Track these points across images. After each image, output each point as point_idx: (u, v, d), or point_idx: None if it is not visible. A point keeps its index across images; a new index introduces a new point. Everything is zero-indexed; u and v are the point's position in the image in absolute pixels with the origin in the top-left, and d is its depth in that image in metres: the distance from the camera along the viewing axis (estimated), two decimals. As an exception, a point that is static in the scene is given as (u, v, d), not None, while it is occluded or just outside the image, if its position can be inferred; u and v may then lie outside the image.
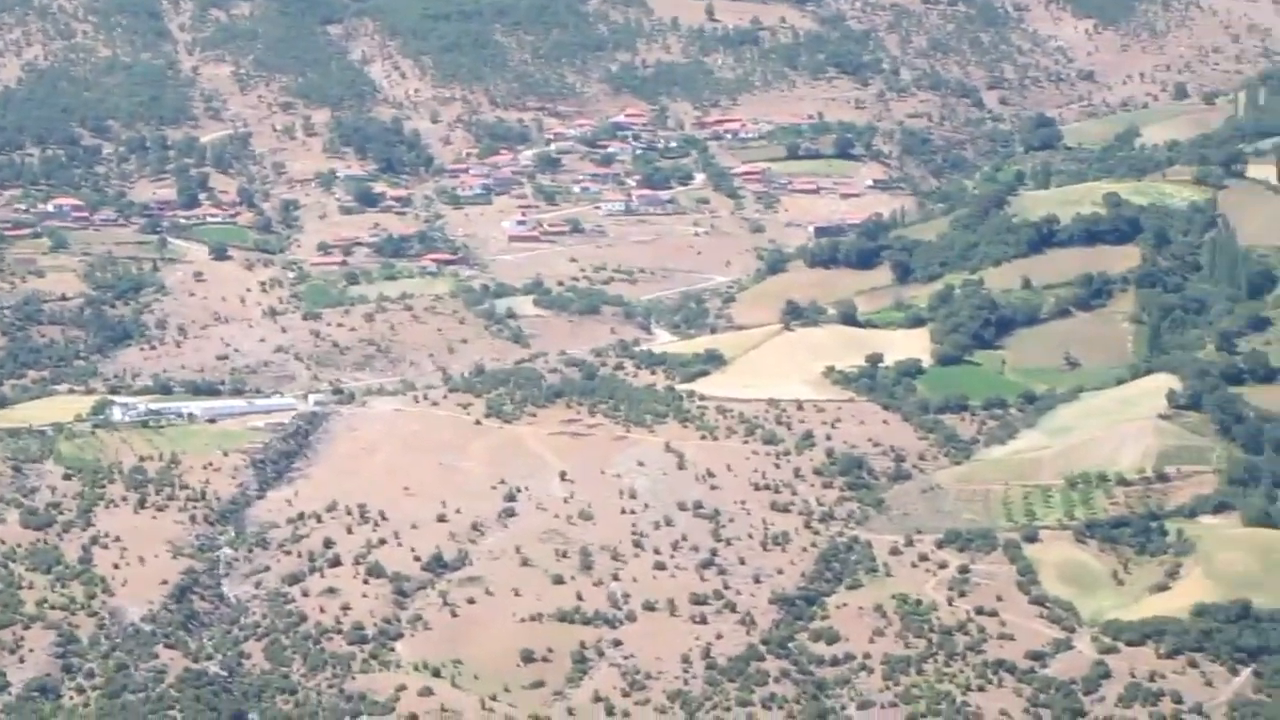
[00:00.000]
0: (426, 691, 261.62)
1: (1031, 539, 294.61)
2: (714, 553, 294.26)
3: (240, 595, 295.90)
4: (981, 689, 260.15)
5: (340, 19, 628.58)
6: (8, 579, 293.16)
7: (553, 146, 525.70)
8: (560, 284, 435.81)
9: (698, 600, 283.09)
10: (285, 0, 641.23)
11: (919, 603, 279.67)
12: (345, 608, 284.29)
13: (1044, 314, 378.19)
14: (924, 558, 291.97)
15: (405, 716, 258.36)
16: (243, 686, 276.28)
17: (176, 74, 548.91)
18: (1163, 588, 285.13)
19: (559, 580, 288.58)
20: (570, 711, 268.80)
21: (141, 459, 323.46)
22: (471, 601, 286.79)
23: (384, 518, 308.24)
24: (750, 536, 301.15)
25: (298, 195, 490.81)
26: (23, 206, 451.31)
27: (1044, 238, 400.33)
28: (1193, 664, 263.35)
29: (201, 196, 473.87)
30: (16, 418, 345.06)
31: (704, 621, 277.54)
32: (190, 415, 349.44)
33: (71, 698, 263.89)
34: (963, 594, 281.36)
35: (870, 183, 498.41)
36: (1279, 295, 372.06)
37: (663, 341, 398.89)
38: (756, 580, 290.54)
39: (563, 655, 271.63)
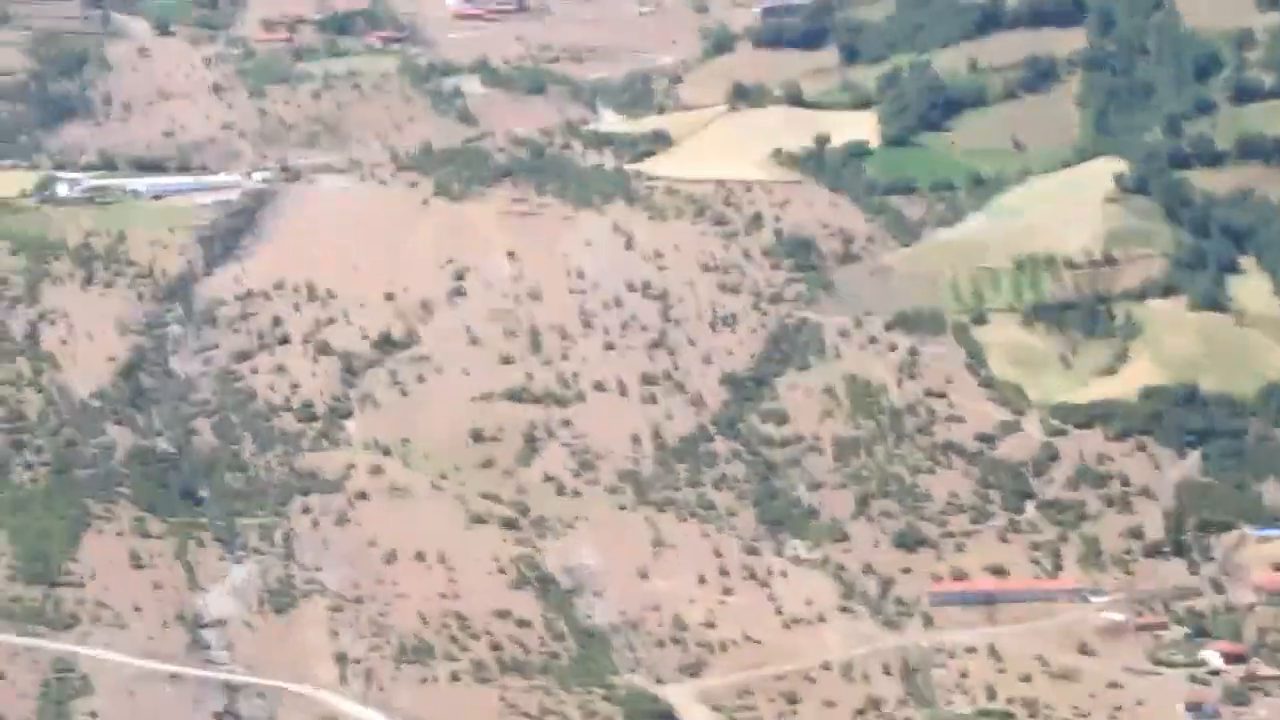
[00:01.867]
0: (376, 470, 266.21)
1: (979, 321, 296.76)
2: (663, 333, 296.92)
3: (189, 372, 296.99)
4: (931, 471, 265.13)
5: None
6: None
7: None
8: (506, 62, 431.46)
9: (647, 380, 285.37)
10: None
11: (868, 384, 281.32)
12: (294, 385, 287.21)
13: (991, 96, 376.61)
14: (872, 339, 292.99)
15: (355, 494, 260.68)
16: (192, 463, 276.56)
17: None
18: (1110, 371, 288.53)
19: (508, 360, 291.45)
20: (520, 490, 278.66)
21: (88, 235, 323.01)
22: (421, 380, 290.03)
23: (332, 295, 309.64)
24: (699, 317, 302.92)
25: None
26: None
27: (991, 19, 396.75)
28: (1140, 447, 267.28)
29: None
30: None
31: (654, 401, 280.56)
32: (136, 192, 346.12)
33: (19, 474, 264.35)
34: (911, 376, 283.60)
35: None
36: (1226, 78, 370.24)
37: (609, 121, 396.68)
38: (706, 361, 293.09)
39: (513, 434, 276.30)
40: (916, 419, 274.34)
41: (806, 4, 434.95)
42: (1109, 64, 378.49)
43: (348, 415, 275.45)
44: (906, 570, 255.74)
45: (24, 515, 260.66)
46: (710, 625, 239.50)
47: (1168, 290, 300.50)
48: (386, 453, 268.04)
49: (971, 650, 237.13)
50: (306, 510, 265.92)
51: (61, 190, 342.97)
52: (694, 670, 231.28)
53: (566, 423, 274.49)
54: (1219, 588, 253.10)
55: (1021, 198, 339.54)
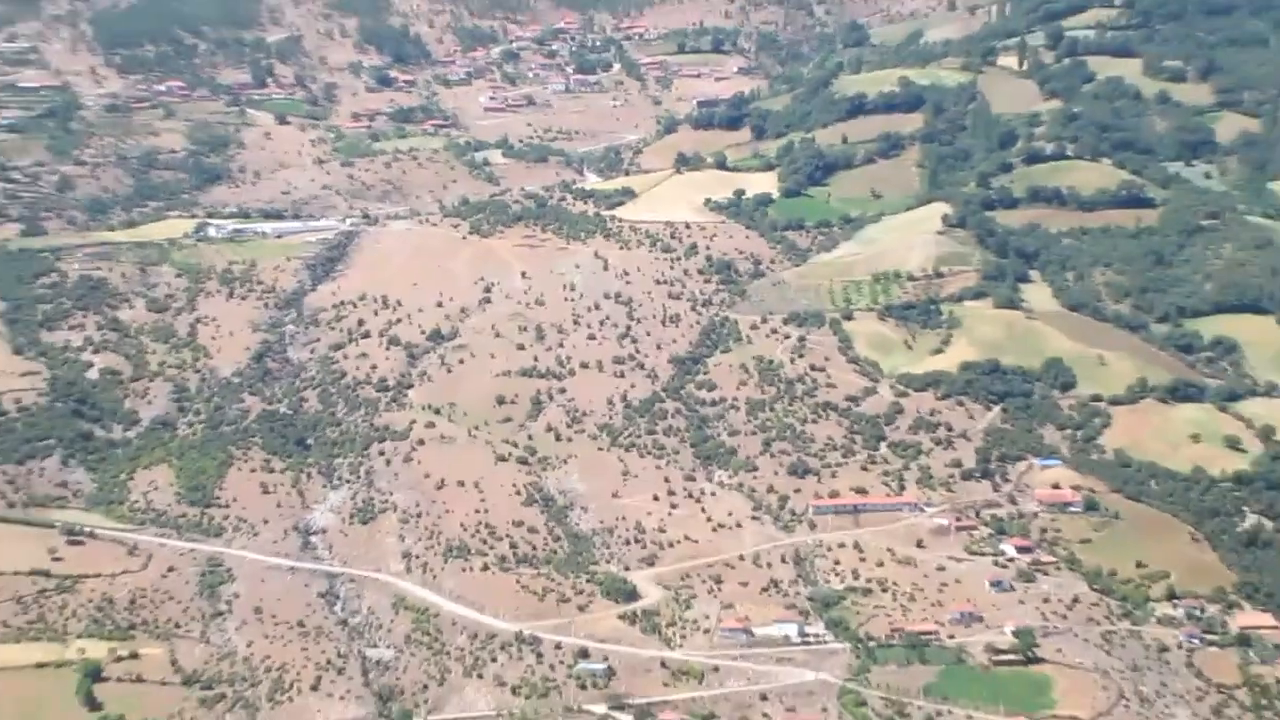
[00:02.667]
0: (430, 424, 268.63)
1: (848, 317, 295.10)
2: (628, 328, 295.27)
3: (299, 358, 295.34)
4: (814, 421, 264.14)
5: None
6: (139, 347, 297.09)
7: (513, 45, 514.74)
8: (520, 140, 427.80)
9: (617, 361, 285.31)
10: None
11: (770, 362, 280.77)
12: (373, 366, 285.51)
13: (856, 161, 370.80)
14: (774, 331, 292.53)
15: (415, 441, 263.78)
16: (302, 421, 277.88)
17: None
18: (939, 351, 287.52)
19: (521, 347, 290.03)
20: (529, 438, 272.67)
21: (230, 263, 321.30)
22: (460, 362, 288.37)
23: (398, 303, 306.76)
24: (654, 317, 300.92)
25: (336, 80, 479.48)
26: (143, 87, 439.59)
27: (856, 108, 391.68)
28: (960, 403, 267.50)
29: (269, 80, 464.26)
30: (142, 235, 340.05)
31: (622, 376, 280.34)
32: (263, 233, 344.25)
33: (184, 429, 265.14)
34: (800, 355, 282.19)
35: (736, 70, 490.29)
36: (1020, 147, 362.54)
37: (592, 181, 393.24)
38: (658, 347, 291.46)
39: (524, 399, 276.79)
40: (804, 385, 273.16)
41: (729, 99, 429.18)
42: (938, 138, 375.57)
43: (410, 386, 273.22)
44: (797, 491, 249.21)
45: (187, 458, 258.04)
46: (661, 530, 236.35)
47: (979, 295, 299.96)
48: (437, 412, 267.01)
49: (842, 545, 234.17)
50: (381, 453, 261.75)
51: (211, 232, 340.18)
52: (650, 561, 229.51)
53: (562, 390, 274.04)
54: (1013, 501, 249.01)
55: (877, 231, 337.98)
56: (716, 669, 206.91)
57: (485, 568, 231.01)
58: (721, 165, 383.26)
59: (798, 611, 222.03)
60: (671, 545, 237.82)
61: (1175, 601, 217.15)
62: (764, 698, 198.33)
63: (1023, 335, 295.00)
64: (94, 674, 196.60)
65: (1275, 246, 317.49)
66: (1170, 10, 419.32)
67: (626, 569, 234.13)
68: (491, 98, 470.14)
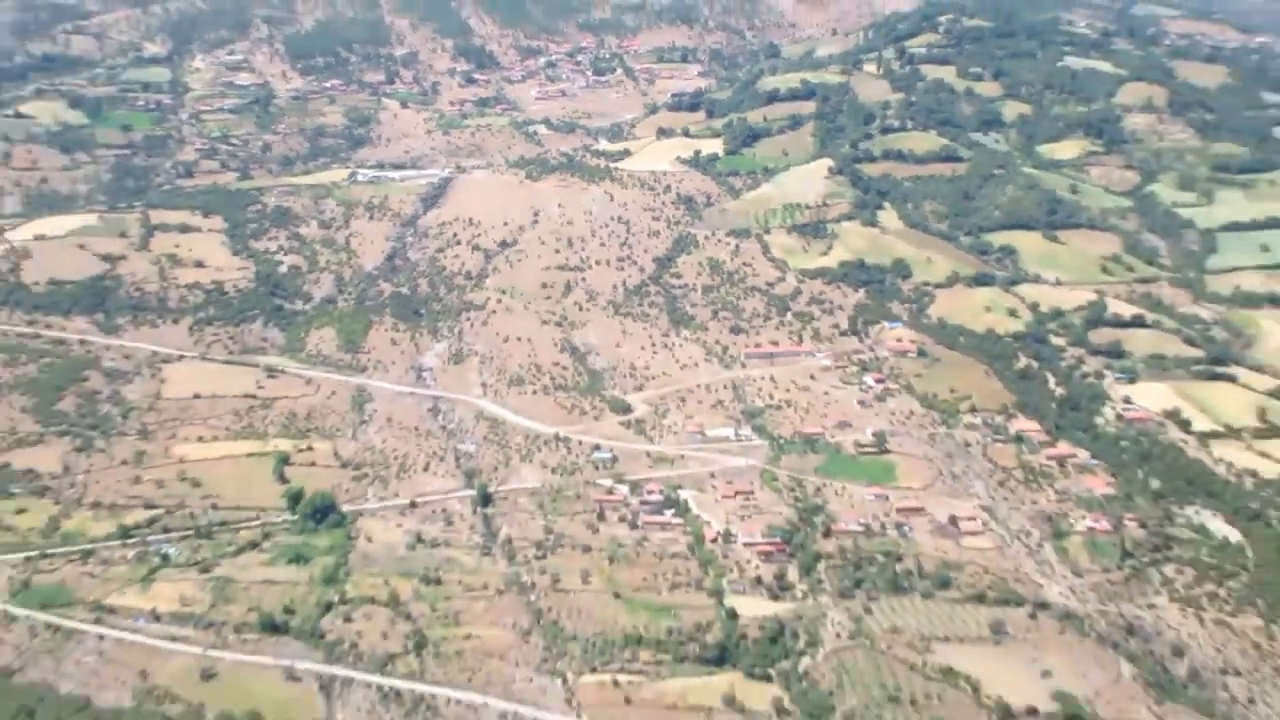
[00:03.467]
0: (499, 301, 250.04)
1: (767, 232, 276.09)
2: (626, 239, 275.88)
3: (416, 258, 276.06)
4: (745, 298, 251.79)
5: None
6: (312, 251, 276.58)
7: (553, 56, 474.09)
8: (557, 119, 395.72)
9: (619, 260, 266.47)
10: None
11: (718, 260, 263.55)
12: (463, 264, 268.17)
13: (773, 132, 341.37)
14: (720, 242, 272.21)
15: (489, 311, 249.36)
16: (416, 299, 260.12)
17: (384, 23, 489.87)
18: (825, 254, 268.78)
19: (557, 251, 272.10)
20: (563, 309, 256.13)
21: (370, 197, 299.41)
22: (519, 260, 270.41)
23: (479, 223, 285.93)
24: (643, 232, 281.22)
25: (439, 79, 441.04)
26: (316, 84, 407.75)
27: (773, 98, 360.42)
28: (838, 287, 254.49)
29: (395, 79, 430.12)
30: (315, 179, 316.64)
31: (622, 269, 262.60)
32: (392, 178, 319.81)
33: (340, 304, 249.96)
34: (736, 256, 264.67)
35: (696, 73, 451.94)
36: (877, 124, 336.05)
37: (603, 145, 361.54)
38: (645, 251, 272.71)
39: (559, 284, 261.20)
40: (738, 276, 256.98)
41: (692, 92, 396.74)
42: (825, 117, 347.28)
43: (485, 276, 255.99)
44: (734, 343, 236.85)
45: (344, 322, 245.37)
46: (647, 368, 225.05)
47: (850, 218, 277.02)
48: (503, 293, 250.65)
49: (763, 378, 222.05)
50: (468, 319, 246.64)
51: (359, 177, 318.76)
52: (640, 388, 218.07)
53: (583, 279, 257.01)
54: (872, 350, 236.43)
55: (786, 177, 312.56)
56: (683, 457, 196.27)
57: (534, 392, 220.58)
58: (687, 135, 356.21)
59: (734, 420, 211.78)
60: (654, 378, 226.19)
61: (974, 414, 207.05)
62: (712, 475, 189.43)
63: (878, 244, 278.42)
64: (284, 461, 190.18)
65: (1040, 188, 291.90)
66: (974, 36, 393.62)
67: (624, 393, 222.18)
68: (538, 92, 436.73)
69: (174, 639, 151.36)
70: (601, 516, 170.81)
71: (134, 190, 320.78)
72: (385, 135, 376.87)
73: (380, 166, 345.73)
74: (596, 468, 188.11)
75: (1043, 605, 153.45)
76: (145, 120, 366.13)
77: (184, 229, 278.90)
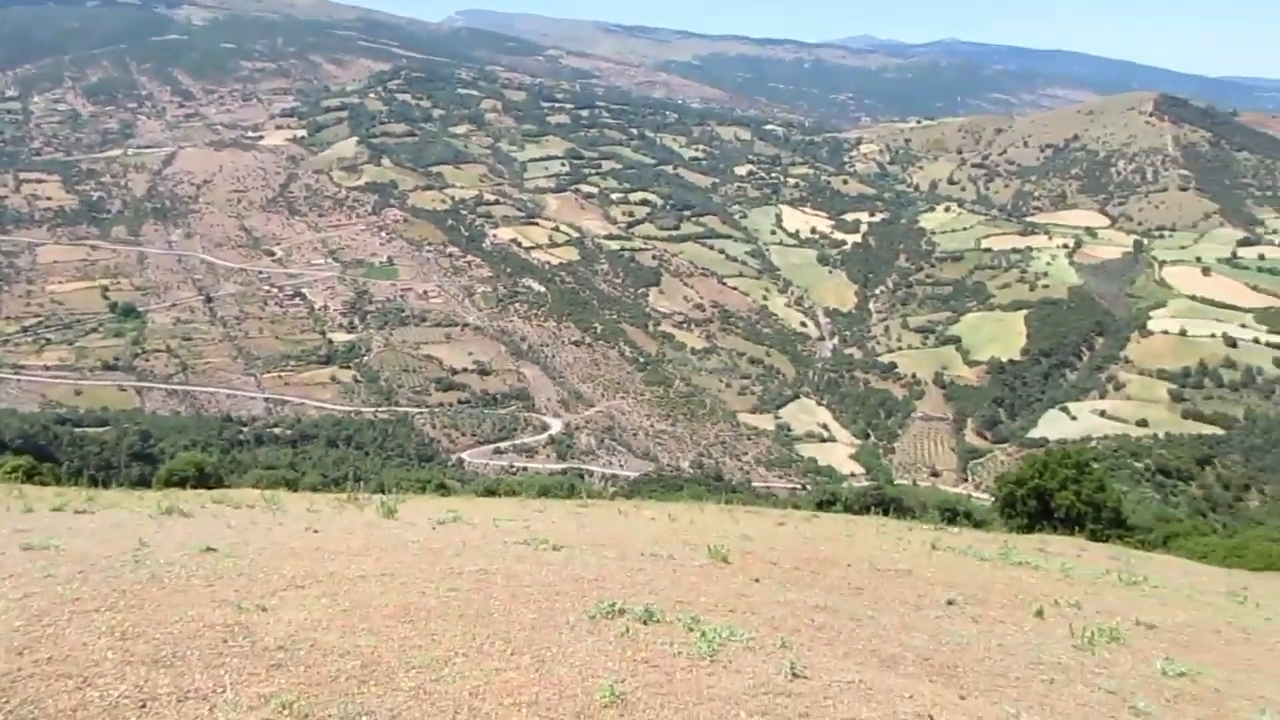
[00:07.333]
0: (207, 205, 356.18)
1: (332, 170, 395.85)
2: (266, 179, 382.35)
3: (162, 190, 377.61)
4: (327, 200, 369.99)
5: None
6: (108, 192, 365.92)
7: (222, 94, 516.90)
8: (224, 124, 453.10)
9: (277, 188, 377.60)
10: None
11: (319, 187, 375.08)
12: (186, 192, 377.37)
13: (331, 124, 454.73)
14: (317, 172, 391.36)
15: (202, 213, 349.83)
16: (166, 208, 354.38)
17: (135, 79, 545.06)
18: (358, 179, 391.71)
19: (235, 184, 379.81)
20: (240, 211, 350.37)
21: (138, 162, 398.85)
22: (214, 188, 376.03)
23: (194, 172, 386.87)
24: (273, 174, 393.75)
25: (166, 105, 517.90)
26: (101, 110, 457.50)
27: (329, 109, 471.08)
28: (365, 193, 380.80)
29: (145, 105, 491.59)
30: (106, 155, 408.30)
31: (269, 190, 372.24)
32: (145, 151, 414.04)
33: (127, 213, 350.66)
34: (325, 180, 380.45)
35: (291, 99, 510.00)
36: (377, 120, 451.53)
37: (251, 134, 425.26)
38: (266, 184, 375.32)
39: (242, 200, 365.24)
40: (327, 191, 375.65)
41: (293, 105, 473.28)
42: (354, 118, 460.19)
43: (199, 197, 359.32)
44: (319, 224, 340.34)
45: (129, 222, 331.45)
46: (283, 241, 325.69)
47: (368, 163, 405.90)
48: (209, 204, 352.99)
49: (340, 237, 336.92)
50: (193, 216, 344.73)
51: (129, 154, 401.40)
52: (276, 254, 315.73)
53: (249, 200, 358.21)
54: (384, 219, 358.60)
55: (339, 145, 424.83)
56: (304, 275, 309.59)
57: (231, 248, 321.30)
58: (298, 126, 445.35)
59: (327, 256, 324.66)
60: (291, 251, 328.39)
61: (430, 244, 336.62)
62: (316, 280, 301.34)
63: (383, 174, 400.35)
64: (106, 289, 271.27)
65: (446, 144, 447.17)
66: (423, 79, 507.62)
67: (274, 252, 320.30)
68: (215, 110, 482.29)
69: (55, 377, 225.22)
70: (266, 304, 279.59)
71: (6, 163, 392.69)
72: (141, 132, 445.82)
73: (140, 148, 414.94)
74: (262, 281, 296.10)
75: (467, 324, 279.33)
76: (9, 128, 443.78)
77: (39, 180, 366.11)
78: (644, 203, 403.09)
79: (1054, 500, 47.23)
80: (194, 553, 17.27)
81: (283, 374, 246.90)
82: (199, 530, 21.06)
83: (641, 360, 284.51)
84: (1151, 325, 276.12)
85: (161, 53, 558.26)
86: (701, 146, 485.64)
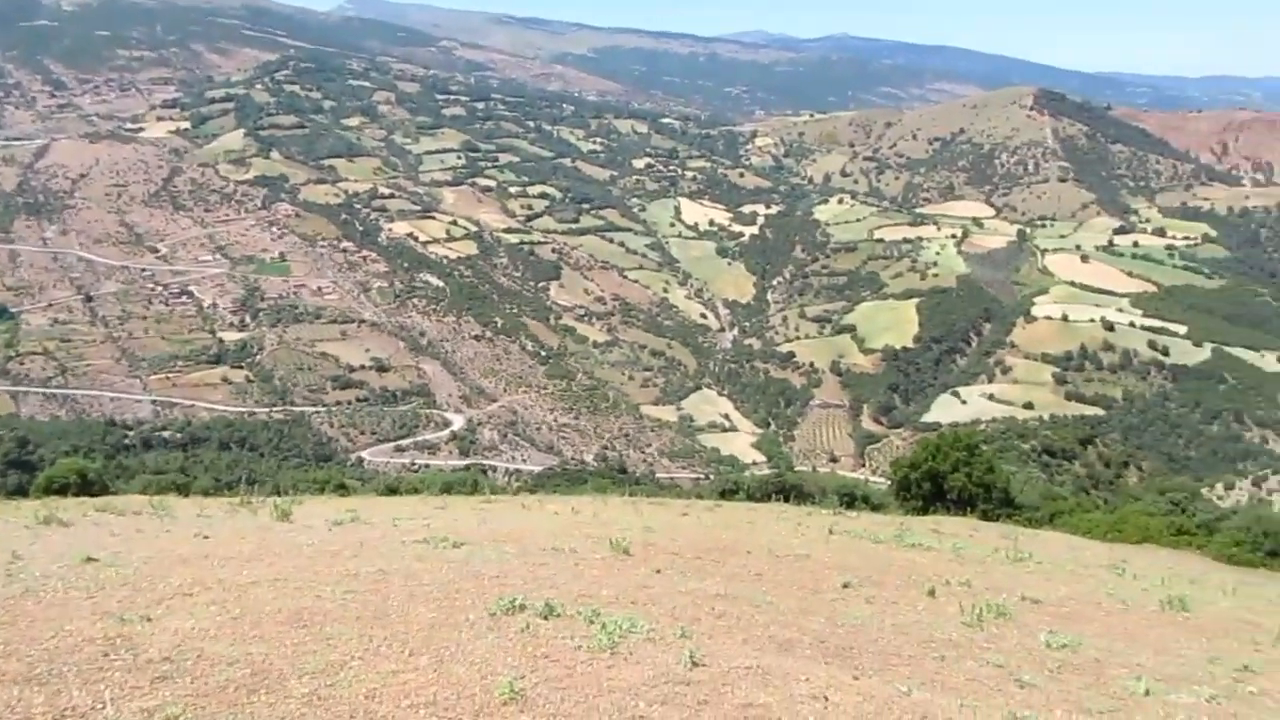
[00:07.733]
0: (83, 200, 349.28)
1: (217, 163, 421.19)
2: (148, 172, 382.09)
3: (35, 184, 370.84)
4: (211, 197, 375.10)
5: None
6: None
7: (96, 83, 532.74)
8: (101, 115, 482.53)
9: (159, 182, 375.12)
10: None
11: (205, 180, 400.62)
12: (60, 186, 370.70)
13: (216, 115, 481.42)
14: (210, 166, 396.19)
15: (78, 209, 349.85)
16: (40, 203, 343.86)
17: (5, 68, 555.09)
18: (246, 171, 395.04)
19: (114, 175, 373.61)
20: (120, 206, 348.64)
21: (8, 155, 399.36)
22: (90, 183, 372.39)
23: (68, 165, 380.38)
24: (154, 167, 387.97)
25: (37, 96, 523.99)
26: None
27: (213, 101, 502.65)
28: (253, 187, 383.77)
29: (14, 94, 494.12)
30: None
31: (152, 185, 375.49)
32: (14, 143, 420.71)
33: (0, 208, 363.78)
34: (210, 173, 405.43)
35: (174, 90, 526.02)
36: (264, 113, 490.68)
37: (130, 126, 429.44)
38: (148, 178, 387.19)
39: (118, 194, 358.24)
40: (213, 186, 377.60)
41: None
42: (241, 110, 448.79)
43: (75, 192, 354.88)
44: (208, 219, 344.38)
45: (1, 219, 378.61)
46: (164, 238, 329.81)
47: (256, 156, 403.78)
48: (85, 199, 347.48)
49: (228, 233, 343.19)
50: (69, 212, 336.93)
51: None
52: (160, 252, 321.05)
53: (130, 195, 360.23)
54: (274, 213, 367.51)
55: (225, 137, 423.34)
56: (189, 271, 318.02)
57: (110, 244, 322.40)
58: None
59: (213, 253, 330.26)
60: (177, 249, 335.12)
61: (324, 240, 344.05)
62: (205, 277, 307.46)
63: (272, 167, 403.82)
64: None
65: (338, 136, 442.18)
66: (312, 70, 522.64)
67: (157, 249, 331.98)
68: (89, 100, 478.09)
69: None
70: (150, 303, 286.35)
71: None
72: (9, 123, 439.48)
73: (8, 139, 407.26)
74: (146, 279, 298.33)
75: (364, 321, 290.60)
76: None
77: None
78: (543, 196, 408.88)
79: (947, 482, 48.95)
80: (73, 564, 16.89)
81: (170, 375, 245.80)
82: (79, 540, 20.58)
83: (543, 354, 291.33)
84: (1035, 311, 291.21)
85: (30, 39, 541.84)
86: (599, 139, 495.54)
